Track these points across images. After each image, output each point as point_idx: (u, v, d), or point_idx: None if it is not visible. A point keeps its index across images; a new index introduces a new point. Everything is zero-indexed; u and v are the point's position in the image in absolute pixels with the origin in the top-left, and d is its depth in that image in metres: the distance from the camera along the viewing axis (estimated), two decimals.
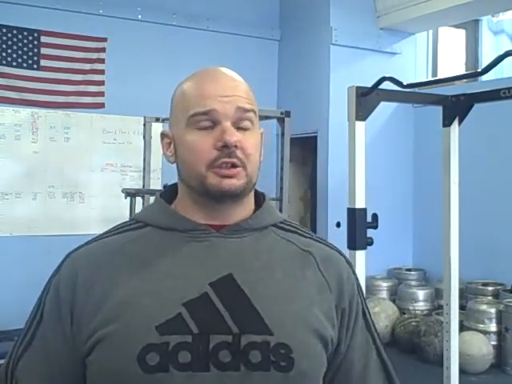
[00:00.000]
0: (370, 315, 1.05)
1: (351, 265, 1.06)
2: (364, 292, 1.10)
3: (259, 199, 1.03)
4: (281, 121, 3.45)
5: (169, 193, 1.03)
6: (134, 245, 0.95)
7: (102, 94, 4.51)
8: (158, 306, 0.87)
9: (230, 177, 0.92)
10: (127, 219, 1.03)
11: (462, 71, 5.27)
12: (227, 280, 0.90)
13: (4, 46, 4.21)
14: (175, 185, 1.03)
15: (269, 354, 0.86)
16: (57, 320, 0.91)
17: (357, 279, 1.04)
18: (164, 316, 0.86)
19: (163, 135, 1.01)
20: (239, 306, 0.88)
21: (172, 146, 0.99)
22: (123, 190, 3.74)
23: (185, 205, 0.98)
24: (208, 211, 0.96)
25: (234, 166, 0.92)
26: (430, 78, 4.95)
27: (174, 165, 0.99)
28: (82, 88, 4.46)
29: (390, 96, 2.47)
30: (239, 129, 0.93)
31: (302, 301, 0.93)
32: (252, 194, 1.00)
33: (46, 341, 0.92)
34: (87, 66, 4.47)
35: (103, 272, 0.91)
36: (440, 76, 5.20)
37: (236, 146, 0.91)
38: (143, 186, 4.00)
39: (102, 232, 1.00)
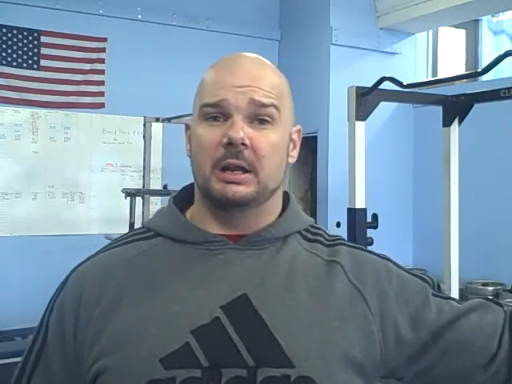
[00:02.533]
0: (438, 290, 0.92)
1: (389, 259, 0.93)
2: None
3: (284, 200, 0.91)
4: None
5: (183, 196, 0.92)
6: (143, 259, 0.85)
7: (101, 94, 4.51)
8: (163, 335, 0.77)
9: (236, 183, 0.80)
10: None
11: (462, 71, 5.26)
12: (242, 302, 0.79)
13: (4, 45, 4.20)
14: (191, 186, 0.91)
15: None
16: (61, 346, 0.83)
17: (398, 267, 0.91)
18: (170, 346, 0.75)
19: (187, 126, 0.90)
20: (255, 333, 0.77)
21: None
22: (123, 190, 3.74)
23: (199, 211, 0.87)
24: (224, 219, 0.85)
25: (241, 169, 0.80)
26: (430, 78, 4.94)
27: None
28: (82, 88, 4.46)
29: (390, 96, 2.47)
30: (255, 125, 0.82)
31: (331, 321, 0.80)
32: (277, 197, 0.88)
33: (49, 368, 0.85)
34: (87, 66, 4.47)
35: (107, 291, 0.82)
36: (440, 76, 5.19)
37: (244, 144, 0.79)
38: (143, 186, 3.99)
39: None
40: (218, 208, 0.84)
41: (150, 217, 0.96)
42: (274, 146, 0.83)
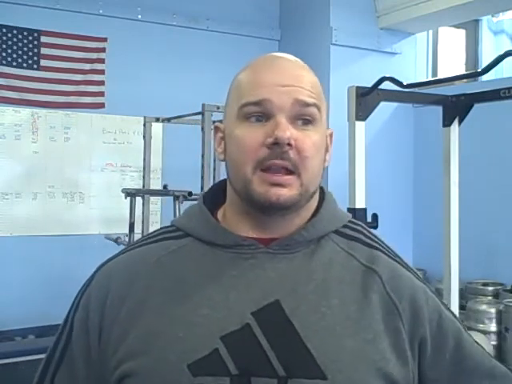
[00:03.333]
0: (465, 331, 0.88)
1: (426, 283, 0.89)
2: None
3: (320, 196, 0.88)
4: None
5: (214, 194, 0.89)
6: (172, 259, 0.83)
7: (101, 94, 4.51)
8: (192, 340, 0.75)
9: (281, 185, 0.77)
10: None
11: (462, 71, 5.26)
12: (273, 308, 0.76)
13: (4, 45, 4.21)
14: (222, 184, 0.89)
15: None
16: (85, 345, 0.82)
17: (437, 298, 0.88)
18: (198, 352, 0.74)
19: (217, 129, 0.88)
20: (286, 341, 0.75)
21: (223, 141, 0.85)
22: (123, 190, 3.74)
23: (231, 212, 0.85)
24: (256, 222, 0.83)
25: (285, 170, 0.78)
26: (430, 78, 4.94)
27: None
28: (81, 88, 4.46)
29: (390, 96, 2.47)
30: (297, 125, 0.80)
31: (364, 333, 0.77)
32: (313, 200, 0.86)
33: (73, 367, 0.83)
34: (87, 66, 4.47)
35: (134, 291, 0.81)
36: (440, 76, 5.19)
37: (290, 145, 0.77)
38: (143, 186, 3.99)
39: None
40: (259, 212, 0.81)
41: (179, 215, 0.96)
42: (317, 146, 0.81)
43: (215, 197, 0.89)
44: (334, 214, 0.88)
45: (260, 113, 0.79)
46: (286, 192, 0.78)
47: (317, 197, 0.87)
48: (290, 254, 0.81)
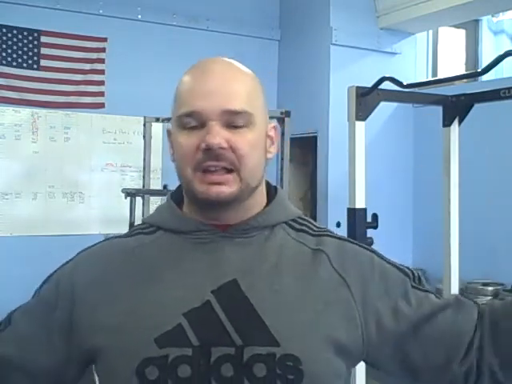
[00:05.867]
0: (419, 283, 0.92)
1: (372, 250, 0.96)
2: None
3: (271, 193, 0.95)
4: (281, 121, 3.44)
5: (180, 192, 0.95)
6: (144, 250, 0.91)
7: (101, 94, 4.51)
8: (157, 317, 0.83)
9: (220, 183, 0.83)
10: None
11: (462, 71, 5.26)
12: (231, 286, 0.84)
13: (4, 45, 4.21)
14: None
15: (274, 366, 0.80)
16: (50, 309, 0.89)
17: (382, 259, 0.93)
18: (163, 327, 0.81)
19: (168, 132, 0.94)
20: (243, 315, 0.82)
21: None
22: (123, 190, 3.74)
23: (190, 207, 0.92)
24: (210, 214, 0.89)
25: (225, 170, 0.84)
26: (430, 78, 4.95)
27: (174, 165, 0.96)
28: (81, 88, 4.46)
29: (390, 96, 2.47)
30: (231, 128, 0.84)
31: (315, 305, 0.85)
32: (259, 192, 0.92)
33: (35, 307, 0.92)
34: (87, 66, 4.47)
35: (107, 275, 0.88)
36: (440, 76, 5.19)
37: (222, 148, 0.82)
38: (143, 186, 3.99)
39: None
40: (203, 208, 0.88)
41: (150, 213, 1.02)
42: (252, 144, 0.86)
43: (181, 195, 0.95)
44: (285, 208, 0.95)
45: (194, 120, 0.85)
46: (226, 189, 0.84)
47: (264, 191, 0.94)
48: (247, 238, 0.88)
